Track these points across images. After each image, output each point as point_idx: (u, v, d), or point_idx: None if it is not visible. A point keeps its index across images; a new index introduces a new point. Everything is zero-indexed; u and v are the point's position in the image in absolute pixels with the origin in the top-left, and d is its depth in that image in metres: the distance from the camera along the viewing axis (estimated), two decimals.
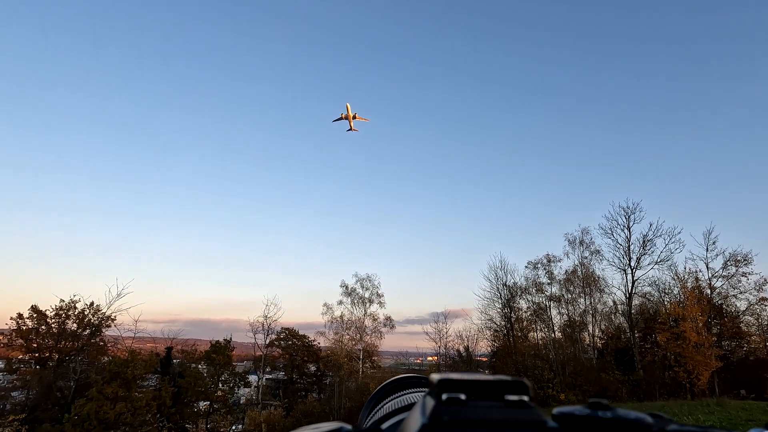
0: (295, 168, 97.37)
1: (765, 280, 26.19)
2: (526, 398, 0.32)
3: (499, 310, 31.72)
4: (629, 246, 28.83)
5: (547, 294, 31.24)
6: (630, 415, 0.33)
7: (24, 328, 23.75)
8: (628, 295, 28.64)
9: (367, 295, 33.23)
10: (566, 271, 31.14)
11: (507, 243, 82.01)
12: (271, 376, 37.63)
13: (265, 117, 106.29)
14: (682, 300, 26.12)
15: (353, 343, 32.53)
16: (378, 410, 0.77)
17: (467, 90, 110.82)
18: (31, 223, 72.83)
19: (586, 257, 30.81)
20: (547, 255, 31.59)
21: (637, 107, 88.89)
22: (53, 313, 24.59)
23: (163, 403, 23.10)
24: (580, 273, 30.62)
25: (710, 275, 27.44)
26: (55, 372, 23.08)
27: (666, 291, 29.14)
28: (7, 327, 24.03)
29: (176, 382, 25.08)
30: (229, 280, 79.21)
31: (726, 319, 27.40)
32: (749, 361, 27.31)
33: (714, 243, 27.31)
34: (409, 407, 0.70)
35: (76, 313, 25.02)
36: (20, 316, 23.94)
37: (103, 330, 26.05)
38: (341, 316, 32.89)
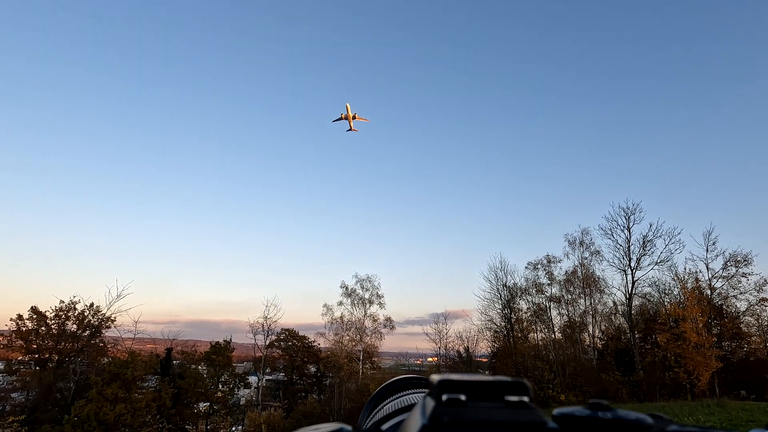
0: (295, 168, 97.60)
1: (765, 280, 26.23)
2: (526, 399, 0.32)
3: (499, 310, 31.75)
4: (629, 247, 28.88)
5: (547, 295, 31.25)
6: (630, 416, 0.33)
7: (24, 329, 23.73)
8: (628, 296, 28.65)
9: (367, 295, 33.24)
10: (566, 271, 31.18)
11: (507, 243, 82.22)
12: (271, 377, 37.60)
13: (265, 117, 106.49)
14: (682, 301, 26.11)
15: (353, 344, 32.50)
16: (378, 411, 0.77)
17: (467, 90, 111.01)
18: (31, 224, 72.88)
19: (586, 258, 30.86)
20: (547, 256, 31.62)
21: (636, 107, 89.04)
22: (53, 314, 24.58)
23: (163, 405, 23.08)
24: (580, 274, 30.61)
25: (710, 276, 27.51)
26: (54, 373, 23.06)
27: (666, 292, 29.21)
28: (6, 328, 24.04)
29: (176, 383, 25.06)
30: (228, 281, 79.36)
31: (726, 320, 27.38)
32: (749, 361, 27.30)
33: (714, 243, 27.40)
34: (409, 408, 0.70)
35: (75, 314, 25.00)
36: (20, 317, 23.93)
37: (103, 331, 26.04)
38: (341, 317, 32.88)
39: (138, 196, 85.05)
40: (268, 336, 34.15)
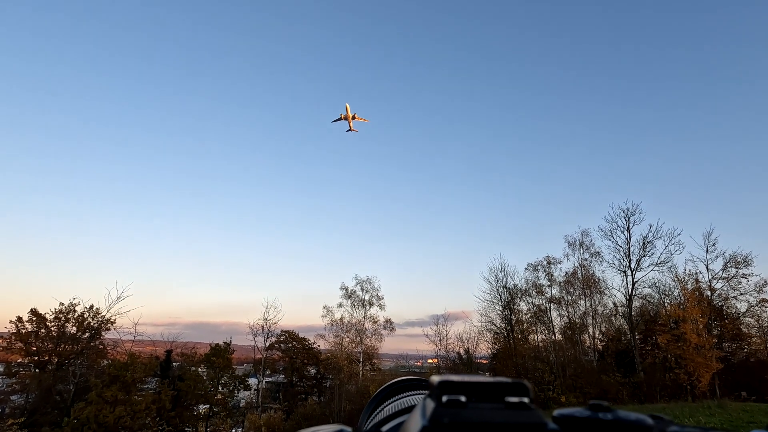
0: (294, 169, 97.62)
1: (765, 281, 26.24)
2: (526, 400, 0.32)
3: (499, 312, 31.71)
4: (629, 248, 28.88)
5: (547, 296, 31.25)
6: (630, 417, 0.33)
7: (23, 331, 23.68)
8: (628, 297, 28.63)
9: (367, 297, 33.20)
10: (566, 273, 31.19)
11: (507, 245, 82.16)
12: (271, 379, 37.55)
13: (265, 118, 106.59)
14: (682, 302, 26.07)
15: (353, 345, 32.45)
16: (378, 413, 0.77)
17: (467, 90, 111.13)
18: (31, 225, 72.87)
19: (586, 259, 30.86)
20: (547, 257, 31.64)
21: (636, 107, 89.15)
22: (53, 316, 24.53)
23: (163, 407, 23.04)
24: (580, 275, 30.60)
25: (710, 277, 27.51)
26: (54, 375, 23.01)
27: (666, 293, 29.20)
28: (6, 330, 23.99)
29: (176, 386, 25.01)
30: (228, 283, 79.36)
31: (726, 321, 27.35)
32: (750, 362, 27.28)
33: (714, 244, 27.40)
34: (409, 409, 0.70)
35: (75, 316, 24.94)
36: (19, 319, 23.89)
37: (103, 333, 25.97)
38: (341, 319, 32.85)
39: (138, 198, 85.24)
40: (268, 338, 34.12)
